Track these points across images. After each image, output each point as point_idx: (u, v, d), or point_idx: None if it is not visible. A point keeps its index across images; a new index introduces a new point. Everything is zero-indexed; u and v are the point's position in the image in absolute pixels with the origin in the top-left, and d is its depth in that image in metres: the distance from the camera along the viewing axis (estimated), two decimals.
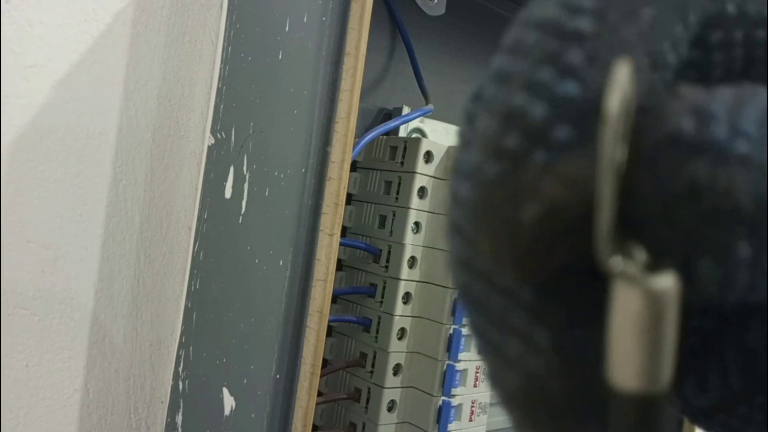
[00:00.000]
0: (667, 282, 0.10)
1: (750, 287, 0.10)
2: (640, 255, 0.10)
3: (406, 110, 0.51)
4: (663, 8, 0.11)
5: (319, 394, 0.44)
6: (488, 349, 0.12)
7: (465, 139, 0.11)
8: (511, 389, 0.12)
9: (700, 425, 0.13)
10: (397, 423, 0.45)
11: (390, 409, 0.45)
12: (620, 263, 0.10)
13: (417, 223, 0.45)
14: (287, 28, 0.39)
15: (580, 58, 0.10)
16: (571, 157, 0.10)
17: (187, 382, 0.45)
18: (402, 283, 0.45)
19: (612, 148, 0.10)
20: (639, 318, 0.10)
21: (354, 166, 0.49)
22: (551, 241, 0.10)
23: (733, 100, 0.10)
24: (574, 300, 0.11)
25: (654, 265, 0.10)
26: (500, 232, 0.11)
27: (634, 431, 0.10)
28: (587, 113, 0.10)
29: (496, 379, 0.12)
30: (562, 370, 0.11)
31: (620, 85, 0.10)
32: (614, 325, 0.10)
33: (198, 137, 0.53)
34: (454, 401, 0.45)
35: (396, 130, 0.49)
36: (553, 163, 0.10)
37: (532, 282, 0.11)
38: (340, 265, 0.49)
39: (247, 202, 0.41)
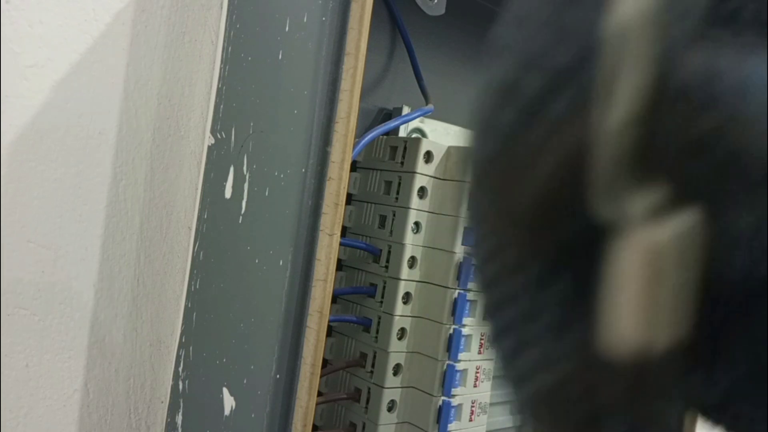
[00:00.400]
0: (676, 227, 0.10)
1: (753, 253, 0.10)
2: (650, 199, 0.10)
3: (406, 110, 0.51)
4: None
5: (319, 394, 0.44)
6: (519, 349, 0.11)
7: (484, 85, 0.11)
8: (549, 388, 0.11)
9: (710, 420, 0.13)
10: (397, 423, 0.45)
11: (390, 409, 0.45)
12: (631, 206, 0.10)
13: (417, 223, 0.45)
14: (287, 28, 0.39)
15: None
16: (589, 105, 0.10)
17: (187, 382, 0.45)
18: (402, 283, 0.45)
19: (627, 93, 0.10)
20: (647, 263, 0.10)
21: (354, 166, 0.49)
22: (567, 196, 0.10)
23: (743, 62, 0.10)
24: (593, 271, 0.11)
25: (662, 212, 0.10)
26: (515, 187, 0.10)
27: (629, 399, 0.10)
28: (610, 64, 0.10)
29: (526, 380, 0.11)
30: (600, 359, 0.11)
31: (639, 33, 0.10)
32: (619, 274, 0.10)
33: (198, 137, 0.53)
34: (454, 401, 0.45)
35: (396, 130, 0.49)
36: (573, 112, 0.10)
37: (552, 245, 0.11)
38: (340, 265, 0.49)
39: (247, 202, 0.41)
